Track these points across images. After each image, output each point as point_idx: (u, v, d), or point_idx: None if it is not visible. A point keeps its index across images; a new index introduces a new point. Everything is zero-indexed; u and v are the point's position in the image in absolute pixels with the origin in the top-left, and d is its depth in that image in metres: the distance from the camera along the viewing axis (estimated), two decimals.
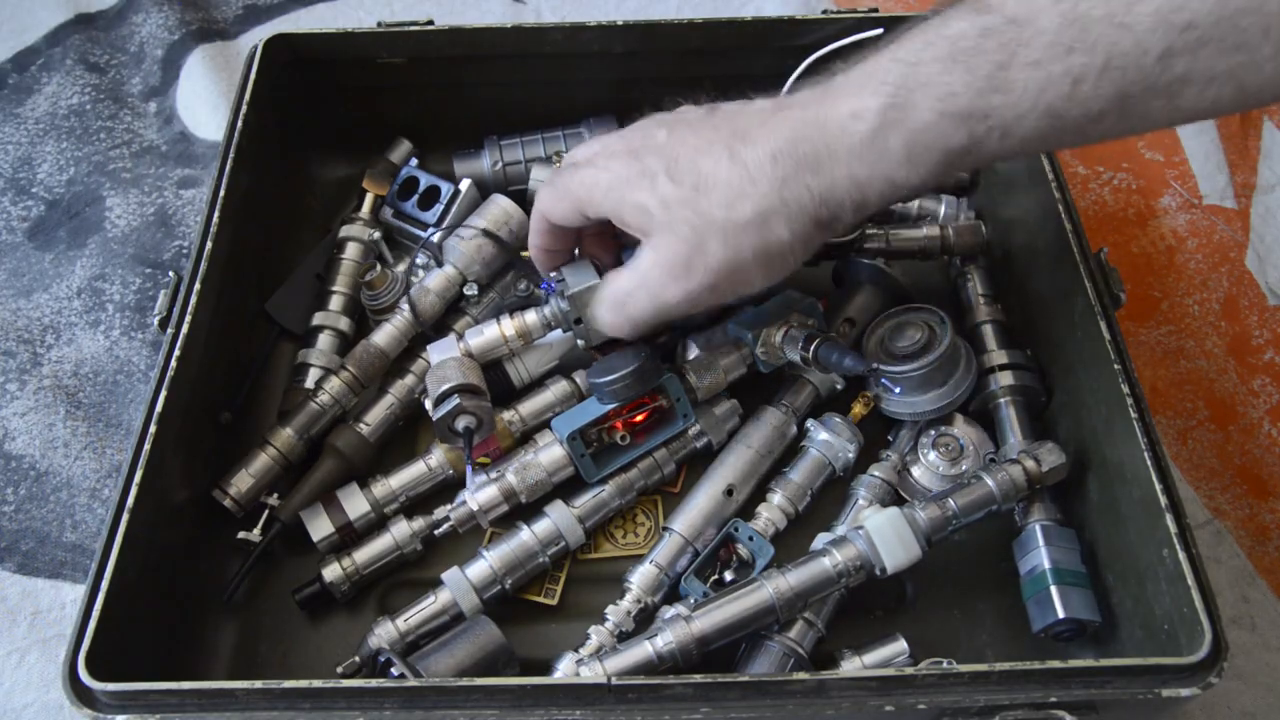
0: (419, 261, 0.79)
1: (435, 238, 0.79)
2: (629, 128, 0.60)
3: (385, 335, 0.74)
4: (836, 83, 0.52)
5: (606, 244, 0.67)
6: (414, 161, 0.85)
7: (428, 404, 0.72)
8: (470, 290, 0.76)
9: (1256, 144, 0.96)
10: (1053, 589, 0.62)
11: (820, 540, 0.66)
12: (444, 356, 0.69)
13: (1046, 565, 0.63)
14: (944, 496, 0.63)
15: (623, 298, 0.58)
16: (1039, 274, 0.73)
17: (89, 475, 0.78)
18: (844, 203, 0.52)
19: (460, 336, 0.72)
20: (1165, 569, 0.56)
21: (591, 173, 0.58)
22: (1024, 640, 0.65)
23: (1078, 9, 0.44)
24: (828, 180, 0.52)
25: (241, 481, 0.68)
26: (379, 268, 0.77)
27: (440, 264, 0.77)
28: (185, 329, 0.65)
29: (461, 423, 0.65)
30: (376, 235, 0.80)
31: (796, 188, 0.52)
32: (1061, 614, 0.61)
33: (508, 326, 0.70)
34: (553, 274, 0.68)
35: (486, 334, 0.71)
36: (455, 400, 0.65)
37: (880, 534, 0.60)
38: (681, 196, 0.53)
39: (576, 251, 0.68)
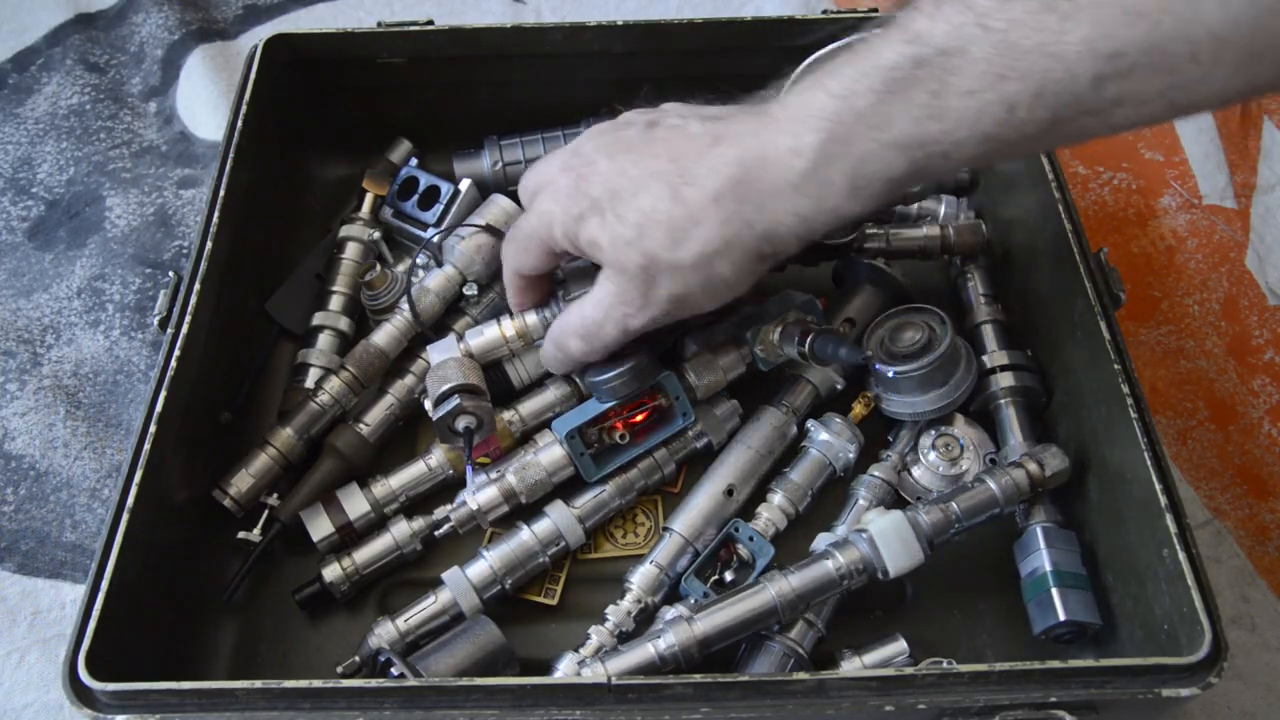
0: (419, 261, 0.79)
1: (435, 238, 0.79)
2: (570, 150, 0.61)
3: (385, 335, 0.74)
4: (773, 112, 0.52)
5: None
6: (414, 161, 0.85)
7: (428, 404, 0.72)
8: (470, 290, 0.76)
9: (1256, 144, 0.96)
10: (1054, 591, 0.62)
11: (821, 540, 0.66)
12: (444, 357, 0.69)
13: (1048, 568, 0.63)
14: (947, 499, 0.63)
15: (594, 329, 0.60)
16: (1039, 274, 0.73)
17: (89, 475, 0.78)
18: (787, 238, 0.53)
19: (460, 337, 0.72)
20: (1165, 569, 0.56)
21: (546, 207, 0.59)
22: (1024, 640, 0.65)
23: (1008, 39, 0.45)
24: (770, 218, 0.52)
25: (241, 481, 0.68)
26: (379, 268, 0.77)
27: (440, 264, 0.77)
28: (185, 329, 0.65)
29: (462, 423, 0.65)
30: (376, 235, 0.80)
31: (738, 226, 0.53)
32: (1063, 616, 0.61)
33: (508, 327, 0.70)
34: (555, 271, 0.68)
35: (487, 334, 0.71)
36: (455, 400, 0.65)
37: (884, 537, 0.60)
38: (627, 237, 0.55)
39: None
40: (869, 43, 0.50)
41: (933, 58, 0.47)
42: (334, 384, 0.72)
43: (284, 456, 0.70)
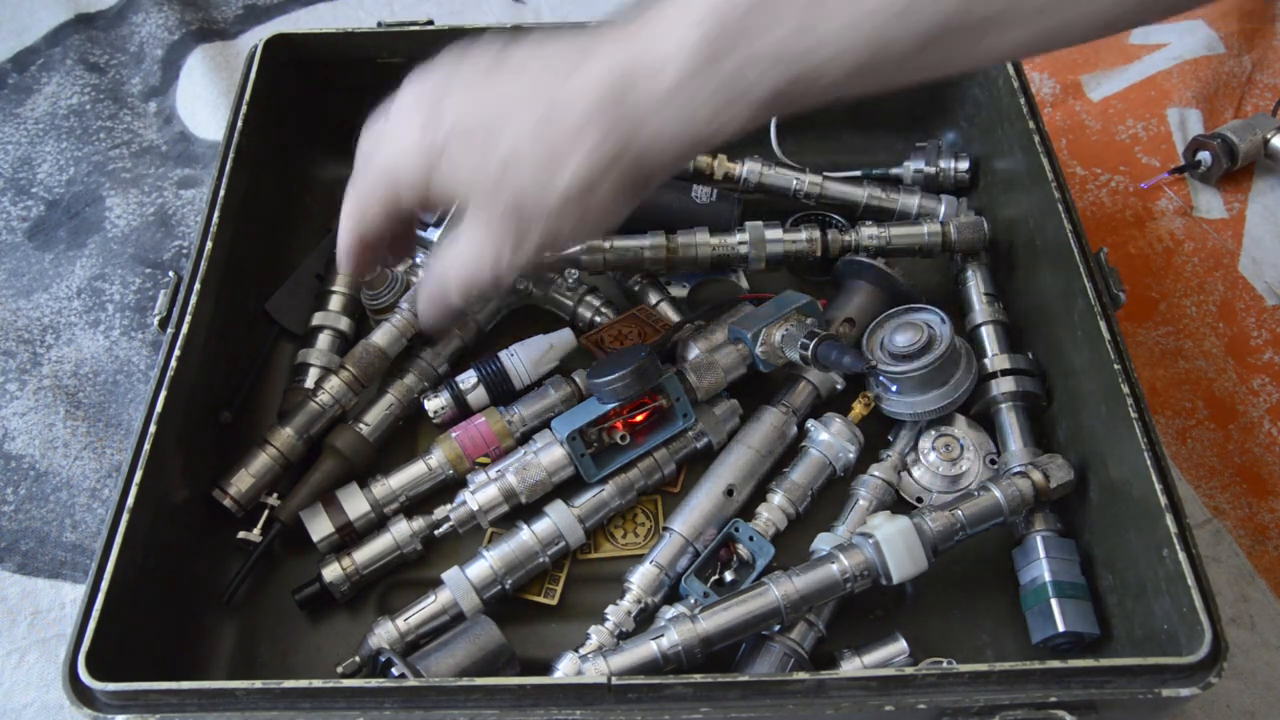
0: (419, 261, 0.79)
1: (435, 236, 0.79)
2: (413, 87, 0.53)
3: (385, 335, 0.74)
4: (646, 18, 0.48)
5: None
6: None
7: (427, 404, 0.72)
8: None
9: None
10: (1053, 602, 0.63)
11: (821, 540, 0.66)
12: None
13: (1047, 578, 0.63)
14: (952, 506, 0.63)
15: (471, 278, 0.54)
16: (1039, 274, 0.73)
17: (89, 475, 0.78)
18: (660, 160, 0.49)
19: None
20: (1165, 569, 0.56)
21: (390, 153, 0.53)
22: (1024, 640, 0.65)
23: None
24: (643, 137, 0.48)
25: (241, 481, 0.68)
26: (379, 267, 0.77)
27: None
28: (185, 329, 0.65)
29: None
30: None
31: (611, 152, 0.48)
32: (1061, 628, 0.62)
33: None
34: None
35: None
36: None
37: (890, 545, 0.60)
38: (491, 178, 0.50)
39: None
40: None
41: None
42: (334, 384, 0.72)
43: (284, 456, 0.70)
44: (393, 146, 0.53)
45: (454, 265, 0.55)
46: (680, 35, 0.46)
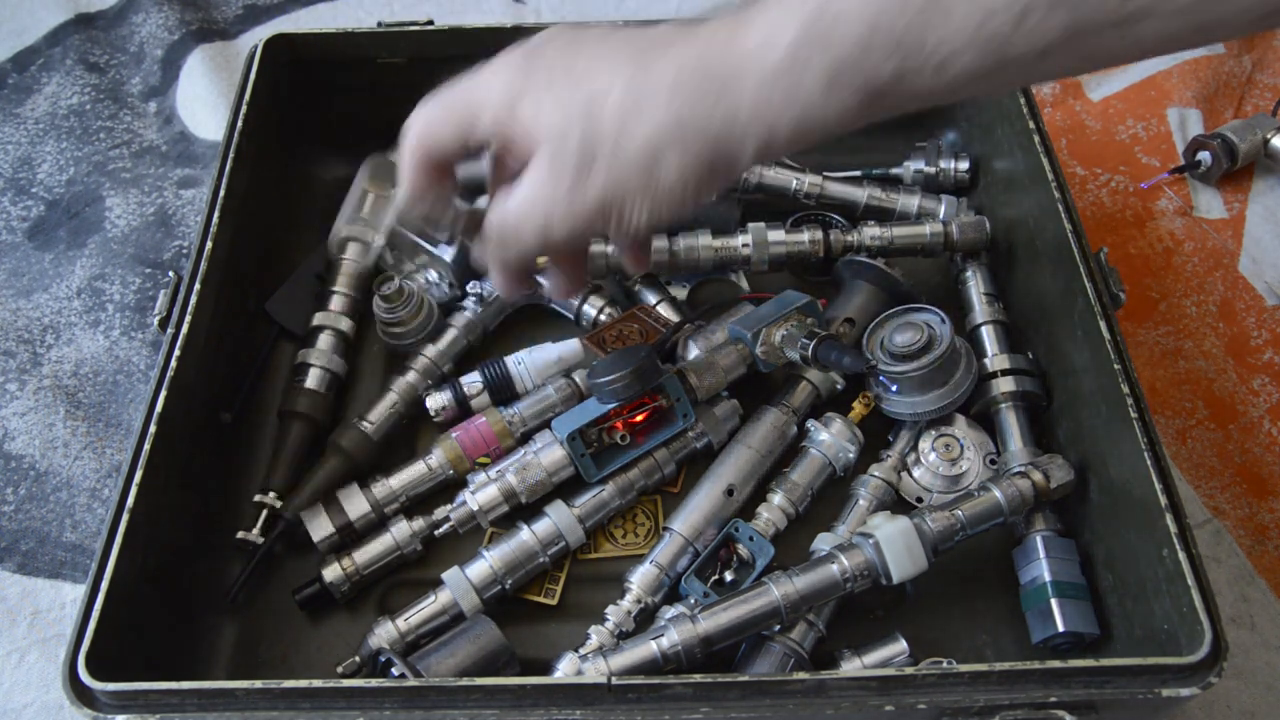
0: (432, 279, 0.78)
1: (447, 255, 0.78)
2: (524, 44, 0.52)
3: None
4: (748, 14, 0.46)
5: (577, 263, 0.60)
6: None
7: (429, 403, 0.72)
8: (474, 289, 0.76)
9: None
10: (1053, 602, 0.63)
11: (821, 540, 0.66)
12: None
13: (1047, 578, 0.63)
14: (952, 506, 0.63)
15: (512, 232, 0.53)
16: (1039, 274, 0.73)
17: (89, 475, 0.78)
18: (745, 141, 0.47)
19: None
20: (1165, 569, 0.56)
21: (486, 78, 0.52)
22: (1024, 640, 0.65)
23: None
24: (730, 112, 0.46)
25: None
26: (396, 280, 0.76)
27: (454, 283, 0.77)
28: (185, 329, 0.65)
29: None
30: (380, 242, 0.79)
31: (693, 115, 0.46)
32: (1061, 628, 0.62)
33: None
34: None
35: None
36: None
37: (890, 545, 0.60)
38: (573, 111, 0.48)
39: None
40: None
41: None
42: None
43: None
44: (491, 73, 0.51)
45: (509, 209, 0.52)
46: (789, 20, 0.44)
